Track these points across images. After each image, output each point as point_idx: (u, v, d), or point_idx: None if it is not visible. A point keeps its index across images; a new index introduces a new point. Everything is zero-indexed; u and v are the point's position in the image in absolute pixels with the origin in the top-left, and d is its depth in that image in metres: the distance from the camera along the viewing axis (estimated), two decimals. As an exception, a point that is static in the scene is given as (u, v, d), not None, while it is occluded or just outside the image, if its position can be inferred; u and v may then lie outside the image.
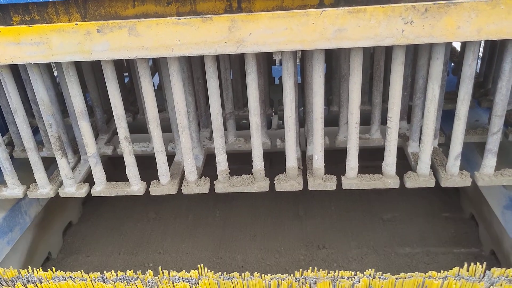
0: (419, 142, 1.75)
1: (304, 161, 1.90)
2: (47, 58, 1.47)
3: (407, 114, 2.10)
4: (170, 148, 2.08)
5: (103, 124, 2.23)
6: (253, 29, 1.40)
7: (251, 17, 1.39)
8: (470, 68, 1.50)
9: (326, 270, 1.47)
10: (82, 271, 1.54)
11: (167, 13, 1.51)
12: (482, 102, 2.26)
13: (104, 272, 1.53)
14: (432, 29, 1.36)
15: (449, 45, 1.74)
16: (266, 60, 2.34)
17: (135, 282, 1.48)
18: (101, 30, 1.42)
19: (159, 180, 1.82)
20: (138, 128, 2.32)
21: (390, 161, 1.71)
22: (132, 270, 1.53)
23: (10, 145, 2.17)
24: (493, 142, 1.64)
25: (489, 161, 1.68)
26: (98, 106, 2.21)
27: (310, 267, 1.51)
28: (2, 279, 1.55)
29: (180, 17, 1.40)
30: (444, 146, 1.89)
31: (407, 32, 1.37)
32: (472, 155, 2.15)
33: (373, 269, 1.46)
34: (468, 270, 1.44)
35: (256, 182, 1.79)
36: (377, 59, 1.87)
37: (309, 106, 1.81)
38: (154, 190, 1.82)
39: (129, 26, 1.41)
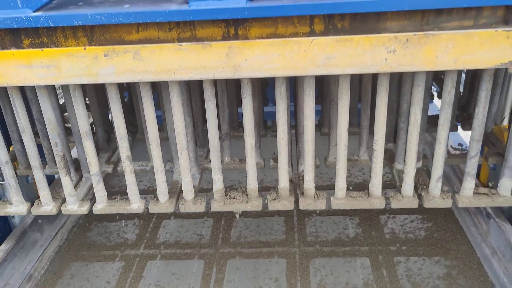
0: (404, 164, 1.86)
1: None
2: (57, 81, 1.57)
3: (394, 135, 2.21)
4: (168, 167, 2.17)
5: (104, 143, 2.32)
6: (249, 56, 1.51)
7: (247, 44, 1.51)
8: (449, 95, 1.62)
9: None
10: None
11: (168, 38, 1.62)
12: (465, 126, 2.38)
13: None
14: (413, 58, 1.48)
15: (430, 73, 1.87)
16: (260, 81, 2.45)
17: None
18: (108, 54, 1.53)
19: (157, 198, 1.91)
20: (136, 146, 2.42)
21: (376, 183, 1.81)
22: None
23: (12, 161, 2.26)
24: (472, 165, 1.75)
25: (468, 184, 1.78)
26: (99, 125, 2.31)
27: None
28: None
29: (182, 43, 1.52)
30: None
31: (390, 60, 1.49)
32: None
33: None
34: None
35: (250, 201, 1.88)
36: (364, 85, 1.99)
37: (301, 128, 1.91)
38: (153, 208, 1.91)
39: (134, 51, 1.52)
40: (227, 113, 2.10)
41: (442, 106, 1.65)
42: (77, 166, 2.15)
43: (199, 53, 1.52)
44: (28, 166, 2.19)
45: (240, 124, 2.46)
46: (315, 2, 1.47)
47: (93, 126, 2.36)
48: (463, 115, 2.45)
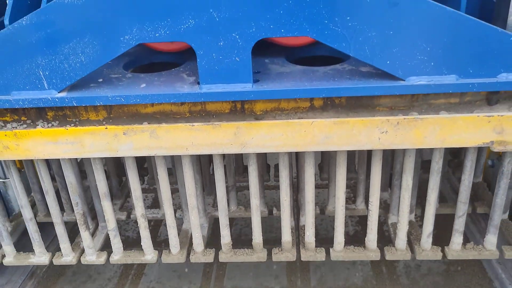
0: (397, 219, 2.01)
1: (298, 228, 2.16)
2: (80, 155, 1.73)
3: (389, 183, 2.36)
4: (178, 215, 2.33)
5: (117, 191, 2.48)
6: (254, 135, 1.67)
7: (253, 125, 1.66)
8: (437, 164, 1.77)
9: None
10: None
11: (180, 111, 1.78)
12: (456, 173, 2.54)
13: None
14: (403, 138, 1.63)
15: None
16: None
17: None
18: (127, 133, 1.69)
19: (169, 250, 2.07)
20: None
21: (371, 238, 1.97)
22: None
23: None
24: (459, 223, 1.90)
25: (457, 239, 1.94)
26: (113, 175, 2.46)
27: None
28: None
29: (194, 124, 1.67)
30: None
31: (383, 140, 1.64)
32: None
33: None
34: None
35: (255, 253, 2.04)
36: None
37: (302, 185, 2.07)
38: (165, 259, 2.07)
39: (150, 131, 1.68)
40: (233, 167, 2.26)
41: (431, 173, 1.80)
42: (93, 214, 2.31)
43: (210, 132, 1.67)
44: (47, 214, 2.35)
45: (245, 168, 2.62)
46: (314, 87, 1.63)
47: (106, 171, 2.51)
48: (454, 161, 2.60)
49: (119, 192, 2.51)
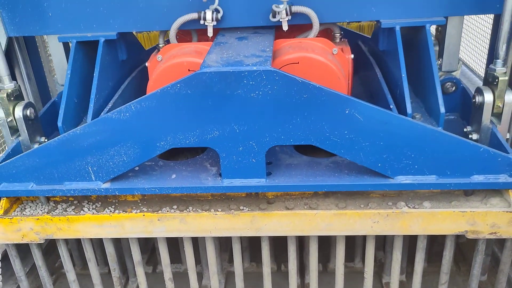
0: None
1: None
2: (120, 235, 2.06)
3: (383, 243, 2.67)
4: (198, 269, 2.64)
5: (144, 246, 2.81)
6: (267, 222, 1.99)
7: (266, 214, 1.98)
8: (422, 243, 2.08)
9: None
10: None
11: (204, 195, 2.12)
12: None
13: None
14: (392, 227, 1.95)
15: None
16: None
17: None
18: (161, 219, 2.01)
19: (192, 306, 2.40)
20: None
21: (367, 298, 2.29)
22: None
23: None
24: (442, 289, 2.22)
25: (440, 302, 2.25)
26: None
27: None
28: None
29: (217, 213, 2.00)
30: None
31: (374, 227, 1.96)
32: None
33: None
34: None
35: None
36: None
37: (307, 263, 2.36)
38: (189, 313, 2.39)
39: (180, 218, 2.01)
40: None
41: (417, 250, 2.11)
42: (124, 268, 2.63)
43: (230, 219, 2.00)
44: (84, 267, 2.68)
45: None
46: (318, 183, 1.95)
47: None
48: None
49: (145, 247, 2.83)
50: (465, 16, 2.78)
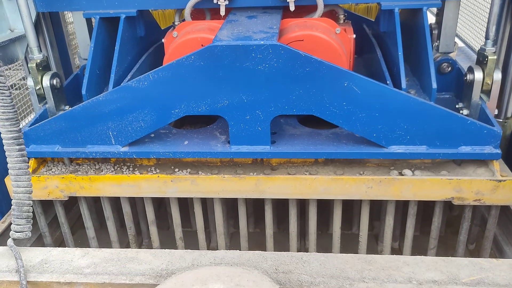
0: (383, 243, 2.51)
1: None
2: (137, 195, 2.26)
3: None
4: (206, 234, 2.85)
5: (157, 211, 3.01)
6: (271, 185, 2.17)
7: (270, 178, 2.17)
8: (413, 209, 2.26)
9: None
10: None
11: (214, 161, 2.31)
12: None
13: None
14: (385, 192, 2.13)
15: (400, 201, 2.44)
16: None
17: None
18: (174, 180, 2.21)
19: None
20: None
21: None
22: None
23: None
24: (431, 254, 2.39)
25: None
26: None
27: None
28: None
29: (225, 176, 2.19)
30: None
31: (369, 192, 2.14)
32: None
33: None
34: None
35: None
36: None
37: (307, 228, 2.55)
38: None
39: (191, 179, 2.20)
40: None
41: (408, 216, 2.29)
42: (137, 230, 2.84)
43: (237, 182, 2.19)
44: (97, 227, 2.89)
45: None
46: (318, 151, 2.13)
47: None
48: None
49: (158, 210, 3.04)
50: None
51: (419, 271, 1.51)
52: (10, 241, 1.73)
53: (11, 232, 1.70)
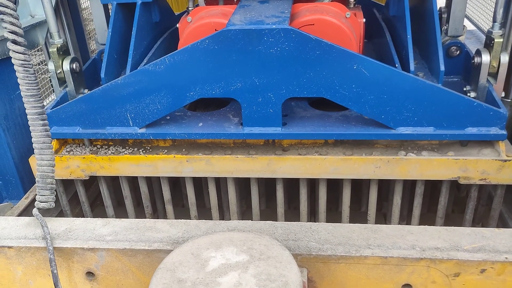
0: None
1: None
2: (154, 174, 2.36)
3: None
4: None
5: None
6: (282, 165, 2.26)
7: (281, 158, 2.25)
8: (420, 189, 2.33)
9: None
10: None
11: (227, 142, 2.39)
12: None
13: None
14: (392, 171, 2.20)
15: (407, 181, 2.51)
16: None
17: None
18: (189, 160, 2.30)
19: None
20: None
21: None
22: None
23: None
24: (437, 233, 2.47)
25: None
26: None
27: None
28: None
29: (238, 156, 2.27)
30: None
31: (377, 172, 2.21)
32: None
33: None
34: None
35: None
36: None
37: (317, 208, 2.64)
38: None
39: (206, 159, 2.29)
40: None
41: (416, 195, 2.36)
42: (153, 209, 2.95)
43: (249, 162, 2.27)
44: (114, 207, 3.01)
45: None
46: (328, 132, 2.21)
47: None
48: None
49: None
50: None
51: (422, 239, 1.60)
52: (35, 211, 1.83)
53: (36, 202, 1.80)
